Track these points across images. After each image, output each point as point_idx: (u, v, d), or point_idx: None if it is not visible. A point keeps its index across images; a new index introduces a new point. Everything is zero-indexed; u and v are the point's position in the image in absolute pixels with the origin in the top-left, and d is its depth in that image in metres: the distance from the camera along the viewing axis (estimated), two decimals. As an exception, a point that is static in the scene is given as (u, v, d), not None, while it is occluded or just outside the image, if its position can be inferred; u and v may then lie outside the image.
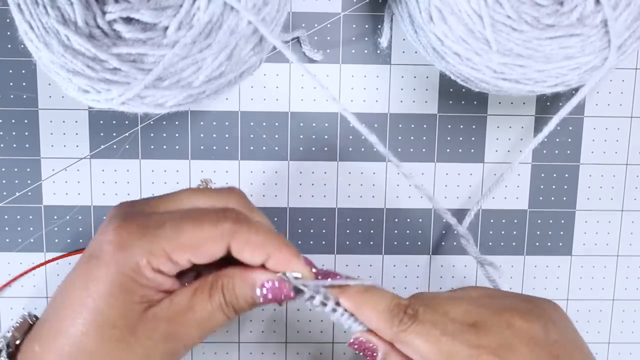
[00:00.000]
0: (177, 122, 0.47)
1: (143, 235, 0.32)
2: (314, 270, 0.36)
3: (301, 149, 0.47)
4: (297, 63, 0.38)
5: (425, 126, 0.47)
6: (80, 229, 0.48)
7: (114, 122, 0.47)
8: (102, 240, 0.32)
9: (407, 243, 0.49)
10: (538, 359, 0.33)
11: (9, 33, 0.45)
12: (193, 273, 0.36)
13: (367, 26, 0.46)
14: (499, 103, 0.47)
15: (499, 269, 0.45)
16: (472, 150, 0.48)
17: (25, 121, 0.46)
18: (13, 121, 0.46)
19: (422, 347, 0.34)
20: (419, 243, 0.49)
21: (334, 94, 0.47)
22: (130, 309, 0.31)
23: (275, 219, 0.48)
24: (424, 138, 0.48)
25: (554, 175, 0.49)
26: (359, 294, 0.35)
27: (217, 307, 0.33)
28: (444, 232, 0.49)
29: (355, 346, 0.36)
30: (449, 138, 0.48)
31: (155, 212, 0.34)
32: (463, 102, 0.47)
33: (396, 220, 0.48)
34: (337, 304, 0.36)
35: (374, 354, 0.36)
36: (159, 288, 0.33)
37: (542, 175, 0.49)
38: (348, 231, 0.48)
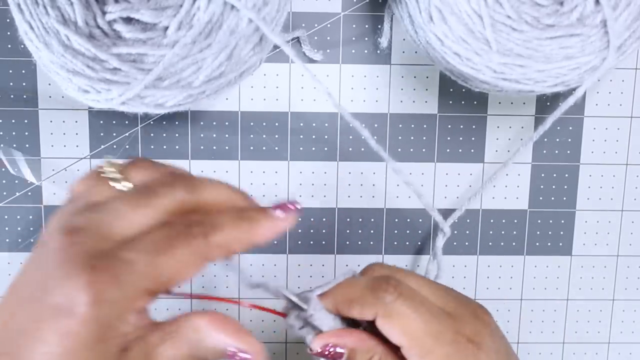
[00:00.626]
0: (177, 122, 0.47)
1: (119, 284, 0.28)
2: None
3: (301, 149, 0.47)
4: (297, 61, 0.38)
5: (425, 126, 0.47)
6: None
7: (114, 122, 0.47)
8: (73, 295, 0.28)
9: (407, 243, 0.49)
10: (498, 349, 0.35)
11: (9, 33, 0.45)
12: None
13: (367, 26, 0.46)
14: (499, 103, 0.47)
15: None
16: (472, 150, 0.48)
17: (25, 121, 0.46)
18: (13, 121, 0.46)
19: (411, 322, 0.34)
20: (419, 243, 0.49)
21: (334, 94, 0.47)
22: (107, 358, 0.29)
23: (275, 219, 0.48)
24: (424, 138, 0.48)
25: (554, 175, 0.49)
26: (336, 288, 0.35)
27: (186, 357, 0.31)
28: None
29: (326, 352, 0.35)
30: (449, 138, 0.48)
31: (115, 243, 0.30)
32: (463, 102, 0.47)
33: (396, 220, 0.48)
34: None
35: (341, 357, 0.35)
36: (137, 326, 0.30)
37: (542, 175, 0.49)
38: (348, 231, 0.48)
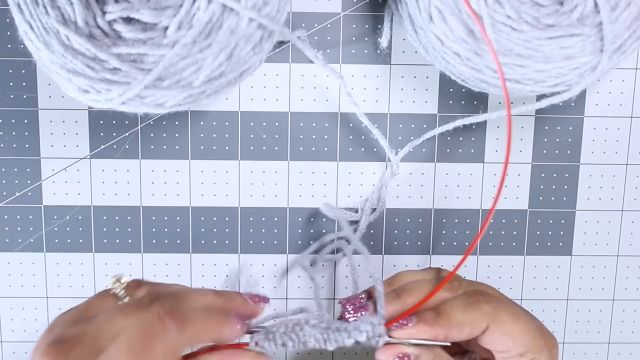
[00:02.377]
0: (177, 122, 0.47)
1: None
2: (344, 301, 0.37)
3: (301, 149, 0.47)
4: (310, 54, 0.38)
5: (425, 126, 0.47)
6: (80, 229, 0.48)
7: (114, 122, 0.47)
8: None
9: (407, 243, 0.49)
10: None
11: (9, 33, 0.45)
12: None
13: (367, 26, 0.46)
14: (499, 103, 0.47)
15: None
16: (472, 150, 0.48)
17: (25, 121, 0.46)
18: (13, 121, 0.46)
19: (514, 325, 0.36)
20: (419, 243, 0.49)
21: (333, 94, 0.47)
22: None
23: (275, 219, 0.48)
24: (424, 139, 0.47)
25: (554, 175, 0.49)
26: (435, 319, 0.36)
27: None
28: (444, 232, 0.49)
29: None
30: (449, 138, 0.48)
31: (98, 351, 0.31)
32: (463, 102, 0.47)
33: (396, 220, 0.48)
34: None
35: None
36: None
37: (542, 175, 0.49)
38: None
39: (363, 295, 0.38)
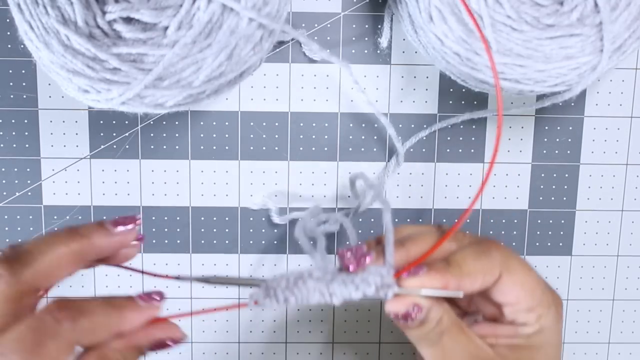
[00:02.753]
0: (177, 122, 0.47)
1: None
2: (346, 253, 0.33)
3: (301, 149, 0.47)
4: (319, 51, 0.38)
5: (425, 126, 0.47)
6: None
7: (114, 122, 0.47)
8: None
9: (407, 243, 0.49)
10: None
11: (9, 33, 0.45)
12: None
13: (367, 26, 0.46)
14: (499, 103, 0.47)
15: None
16: (472, 150, 0.48)
17: (25, 121, 0.46)
18: (13, 121, 0.46)
19: (526, 275, 0.35)
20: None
21: (333, 94, 0.47)
22: None
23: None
24: (424, 138, 0.48)
25: (554, 175, 0.49)
26: (444, 267, 0.34)
27: None
28: (444, 232, 0.49)
29: (410, 311, 0.33)
30: (449, 138, 0.48)
31: None
32: (463, 102, 0.47)
33: (396, 220, 0.48)
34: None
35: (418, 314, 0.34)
36: None
37: (542, 175, 0.49)
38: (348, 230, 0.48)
39: (364, 247, 0.35)
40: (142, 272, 0.36)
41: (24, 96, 0.46)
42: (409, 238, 0.36)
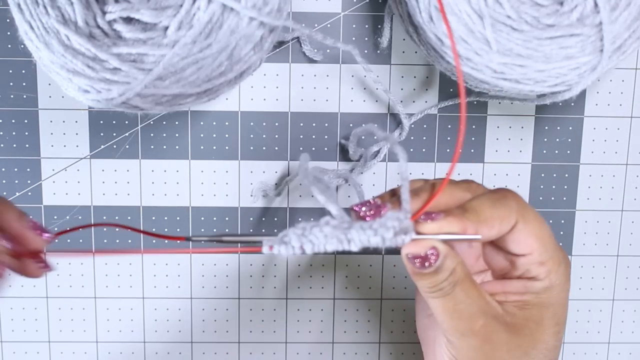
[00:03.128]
0: (177, 122, 0.47)
1: None
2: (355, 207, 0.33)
3: (301, 149, 0.47)
4: (317, 37, 0.37)
5: (425, 126, 0.47)
6: (80, 229, 0.48)
7: (114, 122, 0.47)
8: None
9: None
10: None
11: (9, 33, 0.45)
12: None
13: (367, 26, 0.46)
14: (499, 103, 0.47)
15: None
16: (472, 150, 0.48)
17: (25, 121, 0.46)
18: (13, 121, 0.46)
19: (541, 226, 0.35)
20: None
21: (334, 94, 0.47)
22: None
23: (275, 219, 0.48)
24: (424, 138, 0.48)
25: (554, 175, 0.49)
26: (461, 212, 0.33)
27: None
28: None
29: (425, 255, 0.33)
30: (449, 138, 0.48)
31: None
32: (463, 102, 0.47)
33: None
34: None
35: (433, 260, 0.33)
36: None
37: (542, 175, 0.49)
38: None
39: (377, 199, 0.34)
40: (142, 231, 0.35)
41: (24, 96, 0.46)
42: (422, 189, 0.35)
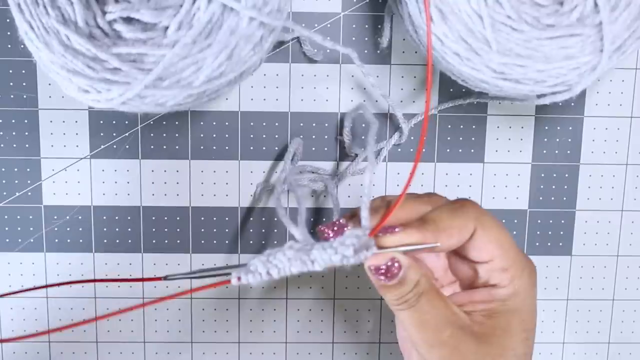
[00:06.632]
0: (177, 122, 0.47)
1: None
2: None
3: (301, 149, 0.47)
4: (315, 38, 0.37)
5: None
6: (80, 229, 0.48)
7: (114, 122, 0.47)
8: None
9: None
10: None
11: (9, 33, 0.45)
12: None
13: (367, 26, 0.46)
14: (499, 103, 0.47)
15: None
16: (472, 150, 0.48)
17: (25, 121, 0.46)
18: (13, 121, 0.46)
19: (500, 232, 0.35)
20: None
21: (333, 94, 0.47)
22: None
23: (276, 219, 0.48)
24: (425, 138, 0.48)
25: (554, 175, 0.49)
26: (421, 225, 0.34)
27: None
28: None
29: (385, 269, 0.34)
30: (449, 138, 0.48)
31: None
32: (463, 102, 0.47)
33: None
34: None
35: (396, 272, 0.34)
36: None
37: (542, 175, 0.49)
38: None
39: (342, 220, 0.36)
40: (119, 279, 0.35)
41: (24, 96, 0.46)
42: (380, 206, 0.36)
